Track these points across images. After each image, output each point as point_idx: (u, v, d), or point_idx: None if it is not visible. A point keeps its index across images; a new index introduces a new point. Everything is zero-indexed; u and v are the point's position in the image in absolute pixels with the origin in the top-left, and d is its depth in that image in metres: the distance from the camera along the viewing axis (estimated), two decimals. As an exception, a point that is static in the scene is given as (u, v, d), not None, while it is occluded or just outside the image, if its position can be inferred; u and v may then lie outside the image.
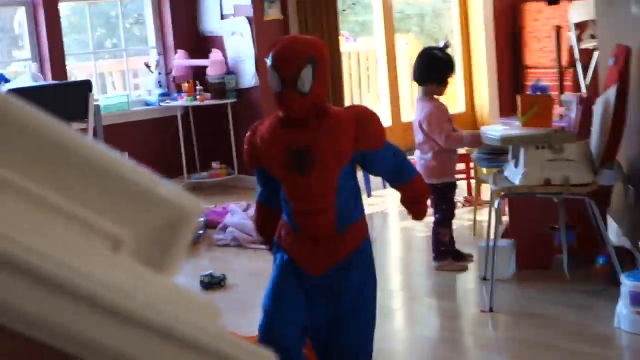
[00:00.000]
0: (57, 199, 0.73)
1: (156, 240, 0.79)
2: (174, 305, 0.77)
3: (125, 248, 0.77)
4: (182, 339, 0.76)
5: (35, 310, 0.67)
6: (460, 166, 6.63)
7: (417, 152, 5.46)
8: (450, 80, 5.43)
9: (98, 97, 7.80)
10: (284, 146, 3.24)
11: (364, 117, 3.26)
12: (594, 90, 7.76)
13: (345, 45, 9.48)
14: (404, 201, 3.50)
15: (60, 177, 0.73)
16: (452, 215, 5.49)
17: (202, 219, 6.68)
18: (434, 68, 5.34)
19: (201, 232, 6.59)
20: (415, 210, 3.49)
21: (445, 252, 5.48)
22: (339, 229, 3.24)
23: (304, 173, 3.21)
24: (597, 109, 4.87)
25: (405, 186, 3.42)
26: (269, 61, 3.24)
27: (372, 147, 3.27)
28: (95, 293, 0.68)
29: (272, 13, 8.18)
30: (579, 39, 8.63)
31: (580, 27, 8.69)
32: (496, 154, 5.51)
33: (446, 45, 5.46)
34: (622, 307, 4.27)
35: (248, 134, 3.44)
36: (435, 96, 5.40)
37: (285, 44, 3.24)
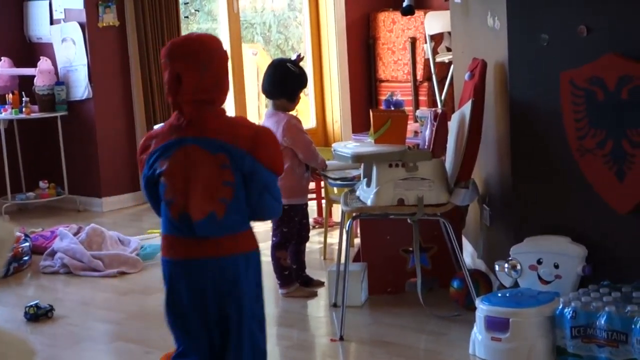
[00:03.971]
0: None
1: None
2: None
3: None
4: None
5: None
6: (310, 185, 6.68)
7: None
8: (301, 95, 5.51)
9: None
10: None
11: None
12: (450, 105, 7.98)
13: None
14: None
15: None
16: (293, 239, 5.51)
17: (27, 243, 6.53)
18: (285, 82, 5.40)
19: (26, 258, 6.44)
20: None
21: (290, 276, 5.52)
22: None
23: None
24: (453, 125, 5.00)
25: None
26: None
27: None
28: None
29: (108, 19, 8.08)
30: (435, 52, 8.85)
31: (436, 39, 8.92)
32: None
33: (299, 58, 5.53)
34: (477, 333, 4.39)
35: None
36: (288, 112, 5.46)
37: None
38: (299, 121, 5.49)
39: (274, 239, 5.49)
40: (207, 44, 3.37)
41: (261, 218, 3.53)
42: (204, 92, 3.32)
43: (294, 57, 5.59)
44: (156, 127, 3.50)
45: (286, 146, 5.27)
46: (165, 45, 3.43)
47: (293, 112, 5.57)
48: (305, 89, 5.61)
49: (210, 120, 3.35)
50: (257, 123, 3.51)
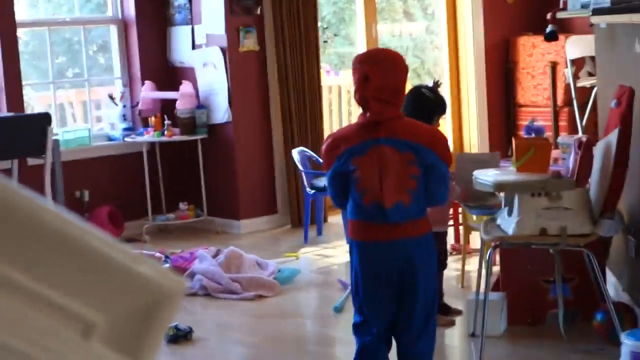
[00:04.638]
0: (23, 278, 0.70)
1: (133, 324, 0.75)
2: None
3: (98, 333, 0.74)
4: None
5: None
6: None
7: None
8: (439, 121, 5.43)
9: (57, 131, 7.76)
10: None
11: None
12: (592, 131, 7.80)
13: (327, 79, 9.50)
14: None
15: (28, 254, 0.70)
16: (440, 267, 5.47)
17: (167, 264, 6.63)
18: (421, 108, 5.34)
19: (167, 279, 6.52)
20: None
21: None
22: None
23: None
24: (597, 154, 4.87)
25: None
26: None
27: None
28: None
29: (248, 44, 8.18)
30: (576, 77, 8.67)
31: (577, 63, 8.74)
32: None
33: (436, 85, 5.46)
34: (623, 369, 4.25)
35: None
36: None
37: None
38: None
39: None
40: (392, 54, 4.05)
41: (435, 203, 4.09)
42: (387, 93, 3.88)
43: (431, 83, 5.53)
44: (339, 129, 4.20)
45: None
46: (355, 56, 4.04)
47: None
48: (444, 115, 5.52)
49: (395, 122, 3.92)
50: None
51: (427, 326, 4.00)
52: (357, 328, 4.06)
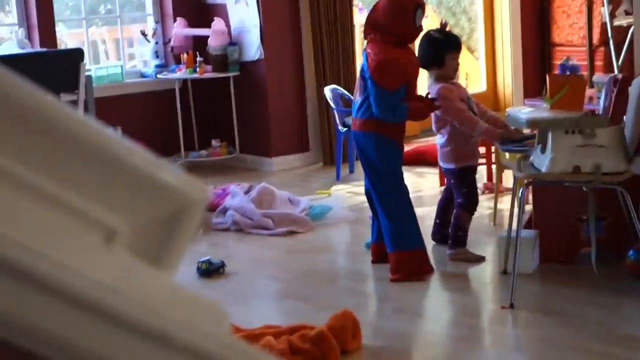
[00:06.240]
0: (47, 184, 0.69)
1: (157, 231, 0.74)
2: (173, 307, 0.73)
3: (121, 240, 0.72)
4: (179, 345, 0.72)
5: (25, 315, 0.63)
6: (480, 149, 6.56)
7: (437, 137, 5.51)
8: (452, 61, 5.40)
9: (90, 67, 7.76)
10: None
11: None
12: (628, 72, 7.70)
13: (359, 16, 9.42)
14: None
15: (52, 160, 0.69)
16: (476, 201, 5.47)
17: (200, 201, 6.63)
18: (431, 50, 5.38)
19: (199, 215, 6.54)
20: None
21: (463, 239, 5.44)
22: None
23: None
24: (633, 92, 4.81)
25: None
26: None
27: None
28: (82, 293, 0.64)
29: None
30: (613, 15, 8.55)
31: (614, 2, 8.62)
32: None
33: (444, 26, 5.49)
34: (655, 307, 4.23)
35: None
36: (448, 81, 5.41)
37: None
38: (450, 90, 5.38)
39: (458, 200, 5.45)
40: None
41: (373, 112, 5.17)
42: (376, 20, 5.08)
43: (439, 25, 5.55)
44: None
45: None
46: None
47: (462, 77, 5.51)
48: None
49: (373, 45, 5.10)
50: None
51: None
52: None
